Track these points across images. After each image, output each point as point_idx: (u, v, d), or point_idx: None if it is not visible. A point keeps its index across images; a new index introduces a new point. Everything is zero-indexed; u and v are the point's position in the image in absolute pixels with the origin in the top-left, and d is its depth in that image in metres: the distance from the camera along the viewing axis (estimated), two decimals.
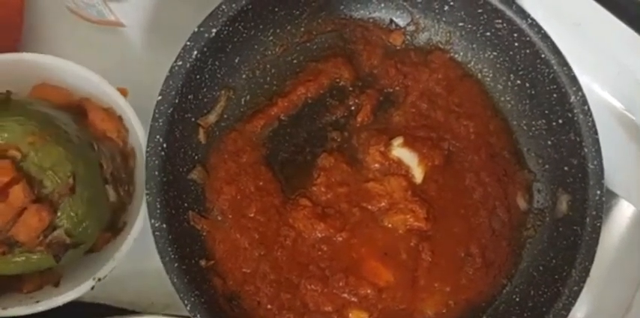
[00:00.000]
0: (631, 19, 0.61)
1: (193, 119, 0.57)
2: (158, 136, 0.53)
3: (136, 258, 0.57)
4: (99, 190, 0.56)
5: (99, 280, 0.55)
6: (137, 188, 0.59)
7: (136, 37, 0.67)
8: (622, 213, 0.68)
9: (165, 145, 0.53)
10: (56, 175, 0.53)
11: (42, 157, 0.52)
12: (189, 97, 0.56)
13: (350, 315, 0.57)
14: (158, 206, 0.52)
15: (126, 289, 0.61)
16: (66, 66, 0.58)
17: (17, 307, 0.54)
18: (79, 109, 0.59)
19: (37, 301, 0.55)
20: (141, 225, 0.56)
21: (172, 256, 0.51)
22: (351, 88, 0.62)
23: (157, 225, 0.52)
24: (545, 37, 0.58)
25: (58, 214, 0.53)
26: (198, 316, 0.51)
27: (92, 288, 0.55)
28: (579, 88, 0.58)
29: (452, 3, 0.61)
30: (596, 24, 0.63)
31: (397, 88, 0.62)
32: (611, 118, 0.64)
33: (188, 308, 0.51)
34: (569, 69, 0.58)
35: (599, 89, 0.64)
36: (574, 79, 0.58)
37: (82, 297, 0.56)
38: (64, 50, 0.64)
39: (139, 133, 0.57)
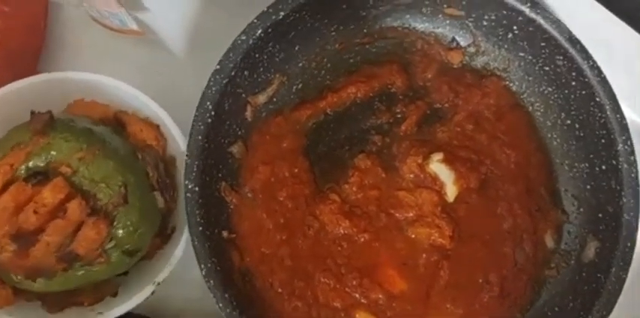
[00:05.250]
0: None
1: (244, 95, 0.57)
2: (209, 103, 0.53)
3: None
4: (149, 198, 0.56)
5: (158, 284, 0.55)
6: (180, 194, 0.58)
7: (159, 45, 0.67)
8: None
9: (213, 113, 0.53)
10: (108, 187, 0.53)
11: (93, 171, 0.53)
12: (245, 73, 0.56)
13: (357, 315, 0.56)
14: (195, 169, 0.52)
15: None
16: (102, 80, 0.58)
17: None
18: (116, 121, 0.60)
19: (100, 313, 0.54)
20: None
21: (198, 220, 0.51)
22: (401, 97, 0.62)
23: (190, 186, 0.52)
24: (604, 81, 0.58)
25: (114, 223, 0.53)
26: (212, 282, 0.51)
27: (152, 293, 0.55)
28: (628, 138, 0.57)
29: (516, 32, 0.61)
30: (626, 45, 0.63)
31: (446, 105, 0.62)
32: (636, 138, 0.62)
33: (203, 273, 0.51)
34: (622, 117, 0.57)
35: (626, 109, 0.63)
36: (625, 128, 0.57)
37: None
38: (87, 59, 0.65)
39: (179, 141, 0.57)
